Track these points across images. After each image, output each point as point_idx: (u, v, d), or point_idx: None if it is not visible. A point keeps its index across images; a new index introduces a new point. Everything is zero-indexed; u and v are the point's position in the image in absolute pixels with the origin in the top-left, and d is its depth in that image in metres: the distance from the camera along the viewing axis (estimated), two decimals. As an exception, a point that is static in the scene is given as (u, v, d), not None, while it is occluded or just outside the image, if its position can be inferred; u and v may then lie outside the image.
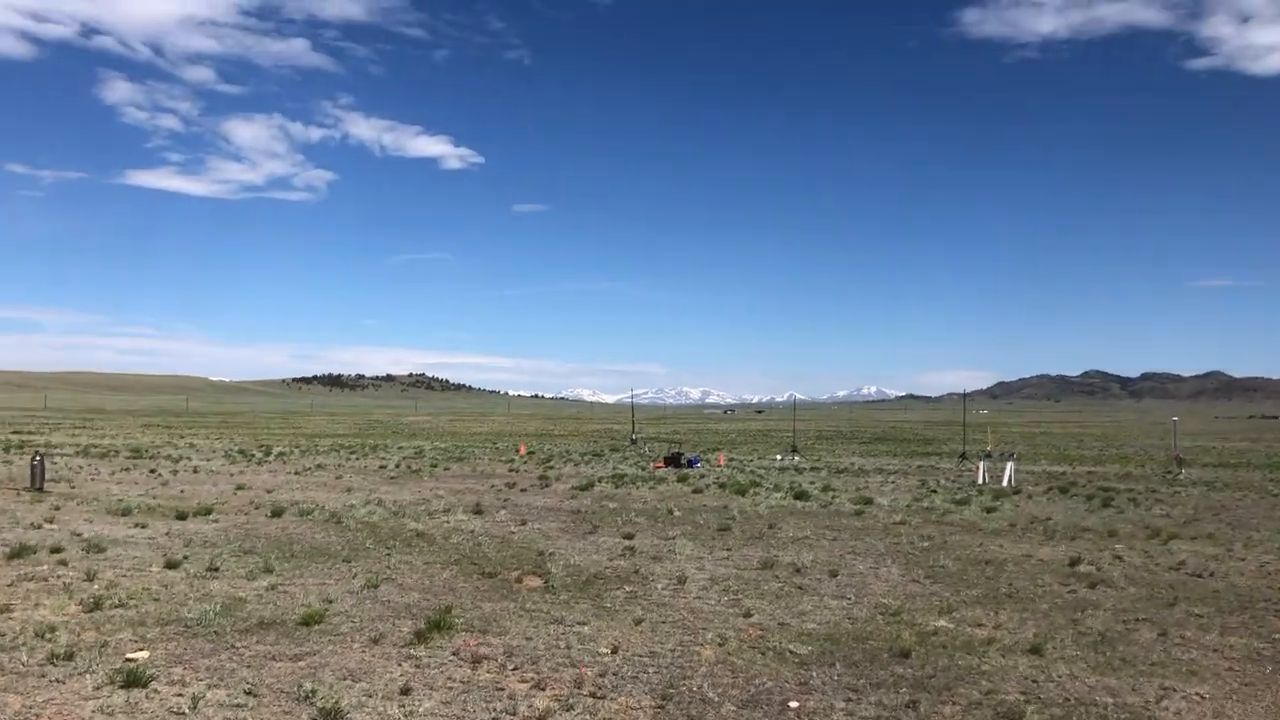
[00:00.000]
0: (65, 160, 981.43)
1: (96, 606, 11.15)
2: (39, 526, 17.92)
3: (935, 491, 29.19)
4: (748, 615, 11.59)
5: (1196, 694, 8.65)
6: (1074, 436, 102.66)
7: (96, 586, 12.36)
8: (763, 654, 9.85)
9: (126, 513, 20.33)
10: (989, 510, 23.46)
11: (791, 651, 9.91)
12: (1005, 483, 31.69)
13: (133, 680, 8.27)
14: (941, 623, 11.34)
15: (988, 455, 38.06)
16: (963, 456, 50.86)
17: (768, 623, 11.25)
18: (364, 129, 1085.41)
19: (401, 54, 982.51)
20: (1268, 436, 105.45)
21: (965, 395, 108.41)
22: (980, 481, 32.91)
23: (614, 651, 9.81)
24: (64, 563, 14.04)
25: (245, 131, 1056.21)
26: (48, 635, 9.78)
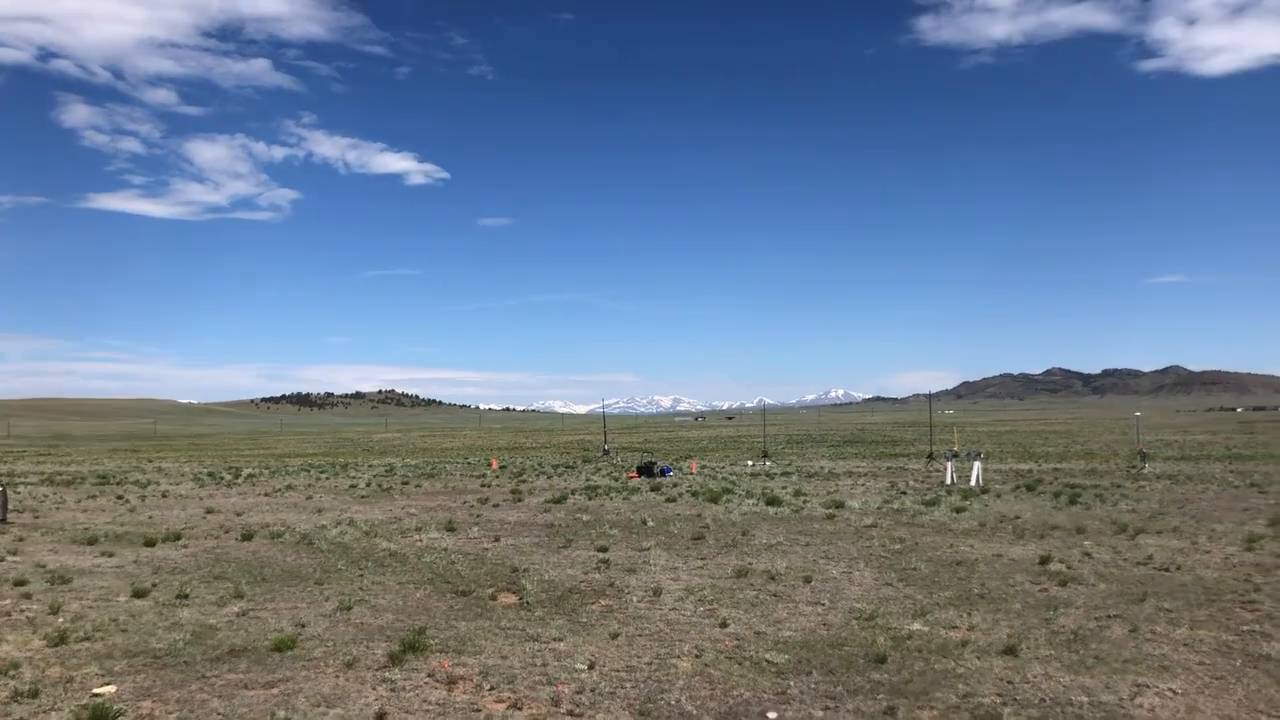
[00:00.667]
0: (24, 185, 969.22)
1: (62, 640, 10.95)
2: (1, 559, 17.59)
3: (905, 493, 29.36)
4: (724, 625, 11.58)
5: (1169, 690, 8.73)
6: (1038, 434, 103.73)
7: (61, 619, 12.14)
8: (740, 664, 9.84)
9: (93, 541, 20.01)
10: (958, 510, 23.62)
11: (768, 661, 9.91)
12: (973, 482, 31.93)
13: (99, 717, 8.12)
14: (916, 626, 11.39)
15: (955, 455, 38.28)
16: (930, 457, 51.20)
17: (744, 632, 11.24)
18: (327, 147, 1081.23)
19: (364, 72, 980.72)
20: (1226, 428, 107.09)
21: (930, 396, 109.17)
22: (948, 482, 33.13)
23: (591, 667, 9.76)
24: (28, 596, 13.78)
25: (208, 152, 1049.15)
26: (11, 672, 9.59)
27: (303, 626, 11.65)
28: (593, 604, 13.02)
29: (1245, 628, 11.10)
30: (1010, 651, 10.05)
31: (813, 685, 9.07)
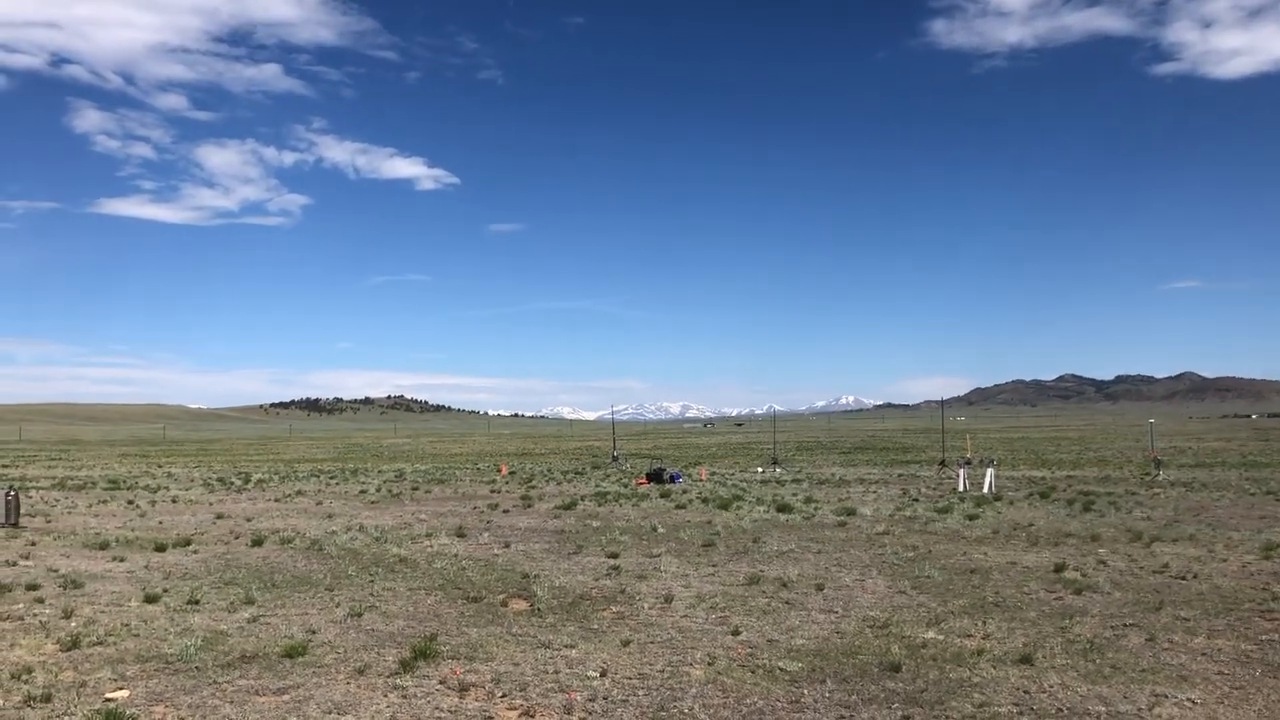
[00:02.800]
0: (36, 190, 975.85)
1: (74, 645, 10.93)
2: (14, 563, 17.61)
3: (917, 500, 29.24)
4: (736, 633, 11.51)
5: (1188, 700, 8.63)
6: (1051, 441, 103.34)
7: (74, 624, 12.14)
8: (753, 672, 9.77)
9: (104, 546, 20.03)
10: (971, 518, 23.50)
11: (781, 669, 9.84)
12: (986, 489, 31.81)
13: (113, 721, 8.10)
14: (930, 634, 11.30)
15: (967, 462, 38.17)
16: (942, 464, 51.01)
17: (756, 640, 11.17)
18: (338, 152, 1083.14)
19: (374, 77, 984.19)
20: (1241, 436, 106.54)
21: (942, 402, 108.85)
22: (961, 489, 33.01)
23: (603, 674, 9.70)
24: (40, 600, 13.78)
25: (218, 157, 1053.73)
26: (24, 676, 9.57)
27: (313, 633, 11.62)
28: (604, 611, 12.97)
29: (1264, 637, 10.99)
30: (1026, 660, 9.96)
31: (827, 694, 8.99)
